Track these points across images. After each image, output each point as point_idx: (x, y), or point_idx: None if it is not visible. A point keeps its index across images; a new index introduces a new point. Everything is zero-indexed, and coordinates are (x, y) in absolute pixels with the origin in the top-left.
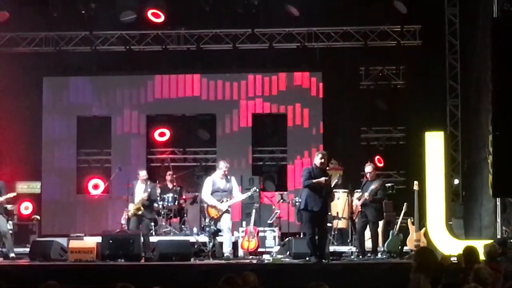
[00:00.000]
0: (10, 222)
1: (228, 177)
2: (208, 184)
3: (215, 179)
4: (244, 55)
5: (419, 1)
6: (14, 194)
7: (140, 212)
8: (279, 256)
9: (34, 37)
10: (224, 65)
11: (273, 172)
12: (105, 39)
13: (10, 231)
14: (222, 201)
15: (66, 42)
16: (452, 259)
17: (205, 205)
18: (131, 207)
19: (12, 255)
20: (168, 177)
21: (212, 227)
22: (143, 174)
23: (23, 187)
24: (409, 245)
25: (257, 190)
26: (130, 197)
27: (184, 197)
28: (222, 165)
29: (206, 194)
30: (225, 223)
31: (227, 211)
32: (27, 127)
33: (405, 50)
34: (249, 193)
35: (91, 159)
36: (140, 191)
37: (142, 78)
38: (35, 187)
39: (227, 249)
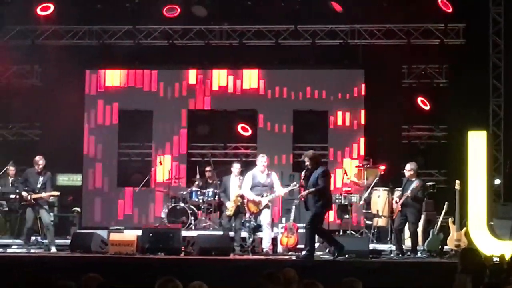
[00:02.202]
0: (51, 213)
1: (269, 172)
2: (248, 178)
3: (255, 173)
4: (286, 52)
5: None
6: (58, 193)
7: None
8: (319, 253)
9: (77, 30)
10: (266, 61)
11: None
12: (148, 33)
13: (52, 223)
14: (262, 196)
15: (109, 35)
16: (494, 259)
17: (245, 200)
18: (230, 205)
19: (53, 249)
20: (207, 173)
21: (252, 222)
22: (237, 167)
23: (64, 179)
24: (450, 245)
25: (298, 185)
26: (222, 194)
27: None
28: (261, 159)
29: (245, 188)
30: (265, 218)
31: (267, 207)
32: (69, 120)
33: (448, 49)
34: (289, 188)
35: (132, 152)
36: (235, 186)
37: (184, 73)
38: (76, 179)
39: (266, 245)
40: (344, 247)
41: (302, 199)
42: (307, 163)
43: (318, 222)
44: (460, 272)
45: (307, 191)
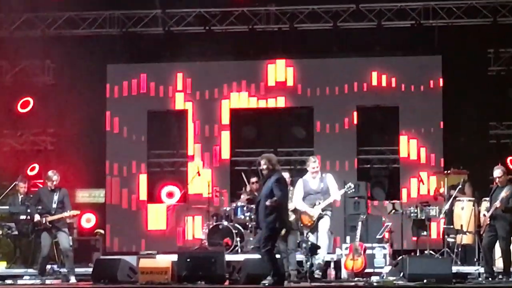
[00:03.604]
0: (70, 237)
1: (322, 175)
2: (299, 186)
3: (306, 180)
4: (346, 36)
5: None
6: (78, 212)
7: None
8: (391, 278)
9: (96, 17)
10: (323, 48)
11: (382, 177)
12: (181, 19)
13: (71, 248)
14: (314, 205)
15: (134, 22)
16: None
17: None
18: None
19: (72, 279)
20: (254, 185)
21: (309, 242)
22: (286, 176)
23: (84, 195)
24: None
25: (353, 187)
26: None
27: None
28: (311, 162)
29: (297, 199)
30: (324, 225)
31: (325, 215)
32: (89, 124)
33: None
34: (343, 191)
35: (164, 161)
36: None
37: (224, 65)
38: (98, 195)
39: (322, 255)
40: (283, 278)
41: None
42: (263, 166)
43: (273, 242)
44: None
45: (270, 201)
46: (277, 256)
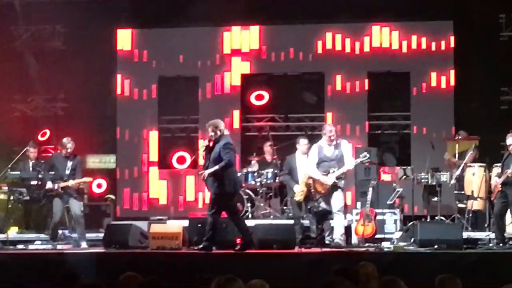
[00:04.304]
0: (81, 203)
1: (337, 141)
2: (313, 152)
3: (321, 146)
4: (356, 1)
5: None
6: (90, 179)
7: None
8: (401, 244)
9: None
10: (332, 14)
11: (393, 143)
12: None
13: (82, 214)
14: (329, 173)
15: None
16: None
17: (310, 180)
18: (299, 189)
19: (84, 244)
20: (267, 149)
21: (320, 208)
22: (305, 142)
23: (94, 161)
24: None
25: (368, 156)
26: (286, 176)
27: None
28: (327, 129)
29: (310, 164)
30: (336, 203)
31: (338, 188)
32: (99, 89)
33: None
34: (358, 160)
35: (175, 127)
36: (303, 166)
37: (234, 30)
38: (108, 161)
39: (338, 235)
40: (213, 245)
41: (203, 178)
42: (211, 133)
43: (220, 208)
44: None
45: (210, 169)
46: (290, 221)
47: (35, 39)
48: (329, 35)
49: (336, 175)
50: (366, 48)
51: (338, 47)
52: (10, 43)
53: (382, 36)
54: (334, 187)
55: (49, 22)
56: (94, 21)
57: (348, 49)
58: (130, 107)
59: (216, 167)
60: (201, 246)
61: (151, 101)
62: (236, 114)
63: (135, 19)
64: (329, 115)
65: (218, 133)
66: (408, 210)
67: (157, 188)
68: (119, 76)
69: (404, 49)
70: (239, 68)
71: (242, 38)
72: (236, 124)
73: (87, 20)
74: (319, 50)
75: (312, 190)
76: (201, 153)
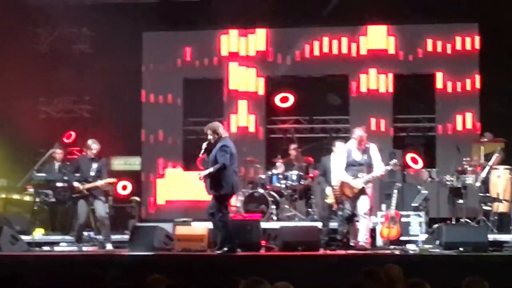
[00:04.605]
0: (106, 205)
1: (367, 145)
2: (342, 155)
3: (351, 149)
4: (378, 3)
5: None
6: (114, 180)
7: None
8: (427, 246)
9: None
10: (354, 17)
11: (419, 145)
12: None
13: (107, 216)
14: (357, 177)
15: None
16: None
17: (336, 185)
18: (331, 192)
19: (109, 246)
20: (291, 151)
21: (346, 210)
22: (341, 146)
23: (119, 163)
24: None
25: (398, 163)
26: (320, 178)
27: (311, 174)
28: (357, 133)
29: (339, 168)
30: (362, 206)
31: (364, 192)
32: (125, 92)
33: None
34: (388, 168)
35: (200, 129)
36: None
37: (260, 33)
38: (133, 163)
39: (363, 237)
40: (236, 247)
41: (201, 179)
42: (209, 136)
43: (225, 208)
44: None
45: (205, 171)
46: (315, 223)
47: (61, 42)
48: (354, 37)
49: (365, 180)
50: (391, 50)
51: (363, 50)
52: (36, 46)
53: (408, 38)
54: (361, 191)
55: (76, 25)
56: (120, 24)
57: (368, 52)
58: (155, 110)
59: (211, 169)
60: (225, 249)
61: (176, 104)
62: (261, 116)
63: (161, 22)
64: (353, 117)
65: (216, 136)
66: (433, 213)
67: (181, 190)
68: (144, 79)
69: (429, 51)
70: (263, 71)
71: (264, 40)
72: (252, 128)
73: (113, 23)
74: (344, 51)
75: (338, 193)
76: (202, 155)
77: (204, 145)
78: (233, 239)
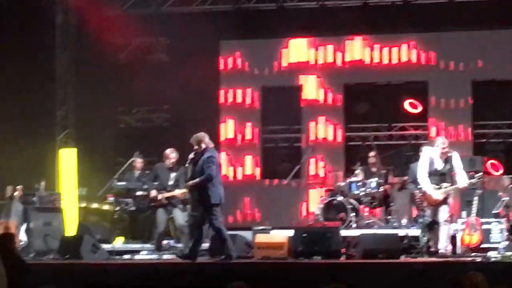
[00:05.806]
0: (185, 213)
1: (449, 154)
2: (424, 161)
3: (433, 157)
4: (460, 9)
5: None
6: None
7: None
8: (508, 254)
9: None
10: (435, 22)
11: (499, 151)
12: None
13: (186, 224)
14: (440, 187)
15: None
16: None
17: (417, 191)
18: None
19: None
20: (371, 159)
21: (426, 218)
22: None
23: None
24: None
25: (482, 177)
26: (410, 185)
27: (390, 182)
28: (439, 142)
29: (422, 174)
30: (442, 214)
31: (445, 201)
32: (202, 100)
33: None
34: (473, 181)
35: (279, 137)
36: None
37: (339, 40)
38: None
39: (443, 245)
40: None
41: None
42: (195, 147)
43: (219, 216)
44: None
45: (191, 182)
46: (395, 231)
47: (139, 51)
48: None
49: (447, 191)
50: (472, 56)
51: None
52: (115, 56)
53: (486, 44)
54: (443, 200)
55: (153, 34)
56: (198, 32)
57: (449, 59)
58: (233, 117)
59: (197, 180)
60: (223, 257)
61: (254, 111)
62: (339, 124)
63: (238, 30)
64: (432, 124)
65: (203, 146)
66: None
67: (259, 197)
68: (222, 86)
69: (510, 57)
70: (341, 78)
71: (340, 49)
72: (331, 136)
73: (191, 31)
74: (422, 60)
75: (420, 200)
76: (188, 165)
77: (191, 156)
78: (228, 248)
